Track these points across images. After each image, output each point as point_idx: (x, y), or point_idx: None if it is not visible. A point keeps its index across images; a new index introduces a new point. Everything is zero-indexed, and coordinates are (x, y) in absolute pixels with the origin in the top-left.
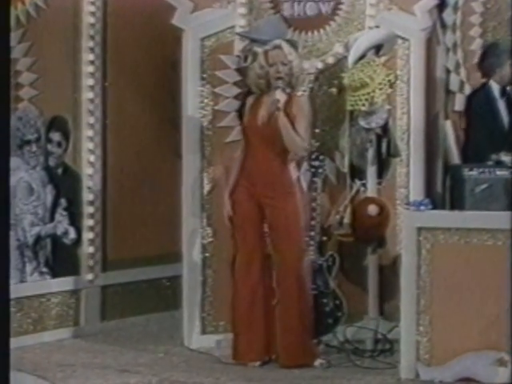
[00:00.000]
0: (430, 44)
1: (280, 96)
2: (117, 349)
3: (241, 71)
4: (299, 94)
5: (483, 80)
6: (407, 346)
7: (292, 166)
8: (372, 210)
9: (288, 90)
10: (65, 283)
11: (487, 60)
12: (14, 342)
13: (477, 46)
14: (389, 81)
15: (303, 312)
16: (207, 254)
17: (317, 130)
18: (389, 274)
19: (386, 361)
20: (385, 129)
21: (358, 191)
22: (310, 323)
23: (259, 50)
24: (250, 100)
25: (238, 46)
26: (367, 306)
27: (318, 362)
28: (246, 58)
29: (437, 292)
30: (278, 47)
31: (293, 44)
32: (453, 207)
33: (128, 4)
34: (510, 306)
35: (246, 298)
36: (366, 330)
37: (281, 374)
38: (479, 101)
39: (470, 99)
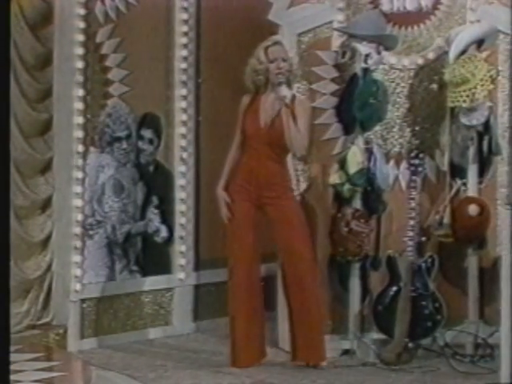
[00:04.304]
0: None
1: (286, 92)
2: (209, 349)
3: (339, 67)
4: (300, 94)
5: None
6: (508, 351)
7: (289, 168)
8: (473, 210)
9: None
10: (156, 282)
11: None
12: (104, 341)
13: None
14: (490, 76)
15: (315, 302)
16: None
17: (417, 128)
18: (489, 277)
19: (487, 366)
20: (486, 126)
21: (458, 190)
22: (320, 316)
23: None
24: (245, 100)
25: (336, 41)
26: (467, 309)
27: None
28: (344, 54)
29: None
30: (279, 43)
31: (392, 39)
32: None
33: None
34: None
35: (246, 302)
36: (466, 335)
37: (378, 378)
38: None
39: None
